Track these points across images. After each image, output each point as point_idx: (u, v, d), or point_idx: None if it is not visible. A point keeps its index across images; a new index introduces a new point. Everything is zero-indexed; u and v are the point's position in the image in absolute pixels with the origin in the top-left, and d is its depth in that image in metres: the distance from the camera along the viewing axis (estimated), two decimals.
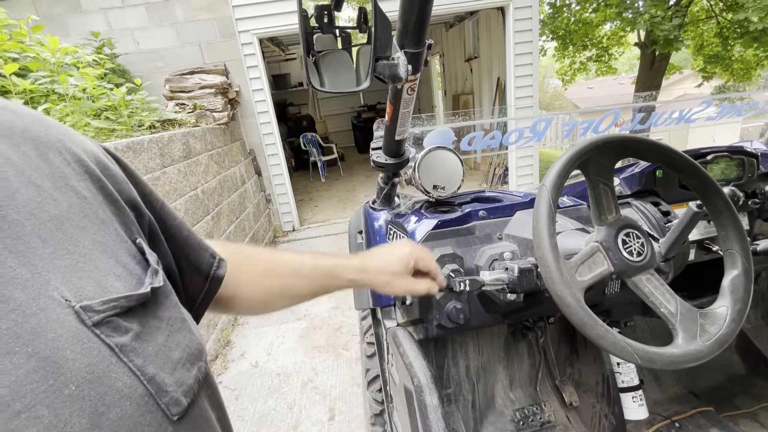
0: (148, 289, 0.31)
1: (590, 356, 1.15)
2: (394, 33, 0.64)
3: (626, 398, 1.09)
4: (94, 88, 2.30)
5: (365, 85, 0.64)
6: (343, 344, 2.36)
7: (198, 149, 2.84)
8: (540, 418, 1.13)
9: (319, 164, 6.80)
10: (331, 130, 9.78)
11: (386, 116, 0.80)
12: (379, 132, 0.90)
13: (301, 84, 9.31)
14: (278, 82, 8.90)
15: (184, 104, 3.37)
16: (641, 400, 1.09)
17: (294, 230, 4.60)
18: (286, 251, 0.59)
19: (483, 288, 0.66)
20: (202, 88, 3.51)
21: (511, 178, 4.67)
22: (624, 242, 0.60)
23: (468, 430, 1.13)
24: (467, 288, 0.64)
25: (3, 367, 0.23)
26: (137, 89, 2.83)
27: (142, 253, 0.33)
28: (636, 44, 8.18)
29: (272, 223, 4.50)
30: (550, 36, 8.60)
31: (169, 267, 0.40)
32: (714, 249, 0.92)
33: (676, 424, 1.10)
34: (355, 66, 0.89)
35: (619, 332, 1.09)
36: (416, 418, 0.69)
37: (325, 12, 0.81)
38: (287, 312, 2.75)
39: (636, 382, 1.08)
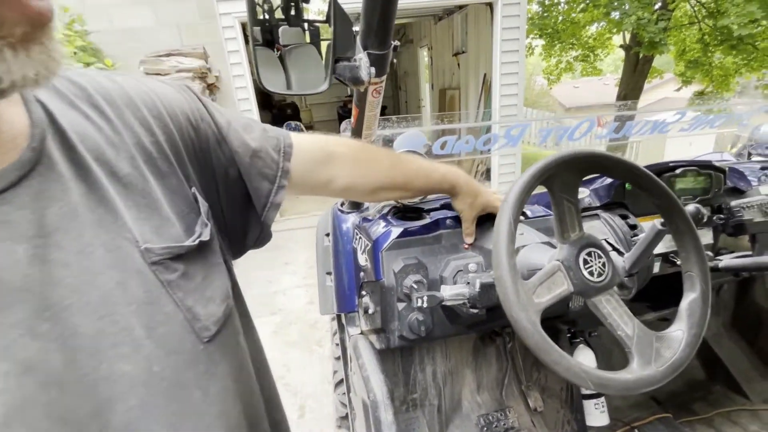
0: (196, 243, 0.39)
1: None
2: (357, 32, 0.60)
3: (589, 405, 1.11)
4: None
5: (324, 87, 0.60)
6: (316, 341, 2.34)
7: None
8: (504, 424, 1.14)
9: None
10: (316, 119, 9.63)
11: (352, 118, 0.76)
12: (346, 134, 0.86)
13: None
14: None
15: None
16: (603, 406, 1.10)
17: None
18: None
19: (443, 303, 0.64)
20: (179, 71, 3.38)
21: (494, 176, 4.69)
22: (585, 261, 0.58)
23: None
24: (425, 304, 0.62)
25: (98, 283, 0.32)
26: (109, 70, 2.69)
27: (197, 201, 0.42)
28: (621, 46, 8.28)
29: None
30: (538, 34, 8.62)
31: (234, 196, 0.49)
32: (678, 263, 0.92)
33: (635, 431, 1.12)
34: (324, 62, 0.85)
35: (582, 342, 1.09)
36: None
37: (293, 3, 0.76)
38: (261, 306, 2.70)
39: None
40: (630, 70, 8.03)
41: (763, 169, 1.16)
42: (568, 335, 1.14)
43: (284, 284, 3.01)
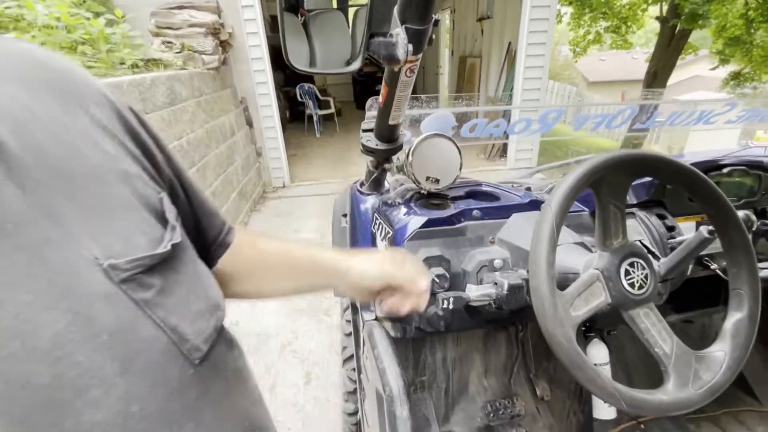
0: (169, 247, 0.32)
1: None
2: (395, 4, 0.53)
3: (597, 398, 1.10)
4: (71, 16, 2.08)
5: (356, 65, 0.55)
6: (325, 310, 2.37)
7: (184, 95, 2.66)
8: (510, 412, 1.14)
9: (314, 118, 6.54)
10: (330, 82, 9.34)
11: (380, 97, 0.70)
12: (371, 112, 0.80)
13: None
14: (276, 24, 8.32)
15: (171, 43, 3.12)
16: None
17: (284, 186, 4.50)
18: (298, 246, 0.56)
19: (468, 304, 0.61)
20: (191, 26, 3.24)
21: (510, 152, 4.55)
22: (627, 272, 0.54)
23: (438, 416, 1.14)
24: (451, 306, 0.59)
25: (44, 322, 0.26)
26: (118, 21, 2.58)
27: (163, 208, 0.34)
28: (657, 18, 7.75)
29: (262, 178, 4.38)
30: (568, 1, 8.08)
31: (187, 225, 0.41)
32: (712, 267, 0.88)
33: (642, 426, 1.12)
34: (351, 32, 0.77)
35: (595, 337, 1.07)
36: (385, 425, 0.66)
37: None
38: None
39: None
40: (664, 44, 7.55)
41: None
42: (583, 328, 1.12)
43: None
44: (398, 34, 0.53)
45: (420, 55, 0.59)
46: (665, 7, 7.26)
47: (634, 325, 0.55)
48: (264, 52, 3.86)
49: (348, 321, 1.29)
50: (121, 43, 2.49)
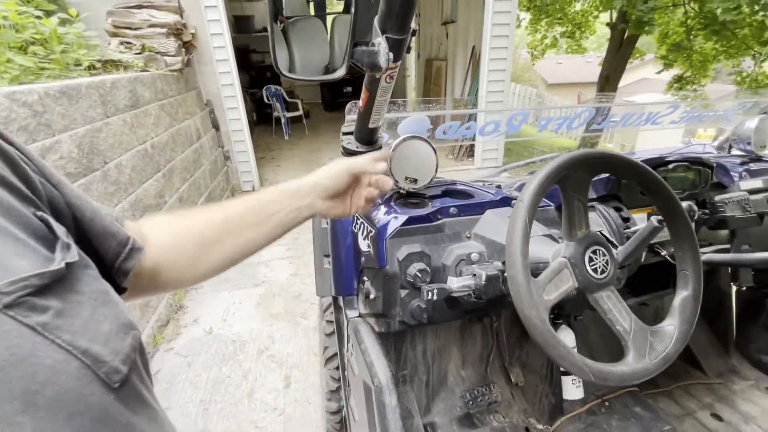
0: (62, 265, 0.29)
1: None
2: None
3: (566, 380, 1.18)
4: (19, 15, 1.96)
5: (340, 73, 0.58)
6: (301, 312, 2.36)
7: (147, 98, 2.57)
8: (488, 398, 1.20)
9: (282, 120, 6.46)
10: (297, 84, 9.25)
11: (361, 102, 0.73)
12: (351, 116, 0.83)
13: (266, 29, 8.59)
14: (241, 25, 8.13)
15: (130, 43, 2.99)
16: (579, 382, 1.18)
17: (254, 190, 4.42)
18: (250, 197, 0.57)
19: (450, 295, 0.66)
20: (151, 26, 3.13)
21: (477, 152, 4.70)
22: (590, 259, 0.60)
23: (420, 408, 1.18)
24: (435, 297, 0.63)
25: None
26: (72, 21, 2.46)
27: (48, 227, 0.31)
28: (607, 24, 8.26)
29: (230, 182, 4.28)
30: (526, 6, 8.45)
31: (81, 243, 0.37)
32: (662, 253, 0.97)
33: (606, 403, 1.21)
34: (329, 39, 0.80)
35: (563, 324, 1.15)
36: (374, 415, 0.69)
37: None
38: (245, 277, 2.68)
39: None
40: (614, 49, 8.07)
41: (743, 164, 1.21)
42: (551, 316, 1.20)
43: (267, 256, 2.99)
44: (380, 43, 0.56)
45: (399, 62, 0.62)
46: (615, 15, 7.76)
47: (597, 306, 0.61)
48: (229, 54, 3.78)
49: (329, 321, 1.31)
50: (76, 43, 2.37)
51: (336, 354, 1.27)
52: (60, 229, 0.31)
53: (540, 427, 1.20)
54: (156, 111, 2.67)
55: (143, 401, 0.34)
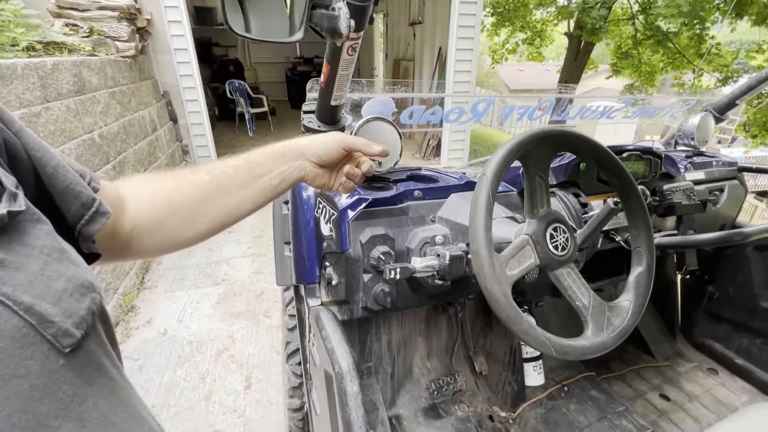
0: (4, 212, 0.26)
1: (501, 329, 1.23)
2: None
3: (528, 367, 1.20)
4: None
5: (298, 36, 0.54)
6: (264, 311, 2.28)
7: (95, 84, 2.39)
8: (453, 388, 1.20)
9: (246, 116, 6.25)
10: (262, 80, 9.00)
11: (322, 77, 0.70)
12: (312, 94, 0.80)
13: None
14: (202, 17, 7.80)
15: (76, 26, 2.78)
16: (540, 368, 1.21)
17: None
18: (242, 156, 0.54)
19: (413, 275, 0.64)
20: (101, 8, 2.92)
21: (443, 151, 4.77)
22: (551, 236, 0.61)
23: (385, 400, 1.16)
24: (398, 276, 0.61)
25: None
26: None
27: None
28: (565, 33, 8.70)
29: None
30: (491, 12, 8.73)
31: (41, 200, 0.33)
32: (617, 239, 1.01)
33: (565, 388, 1.24)
34: (288, 7, 0.76)
35: (525, 311, 1.17)
36: (335, 403, 0.66)
37: None
38: (203, 276, 2.55)
39: (538, 353, 1.19)
40: (571, 58, 8.52)
41: (687, 157, 1.29)
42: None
43: (227, 253, 2.87)
44: (341, 8, 0.53)
45: (362, 34, 0.60)
46: (572, 24, 8.19)
47: (558, 283, 0.61)
48: (189, 43, 3.61)
49: (291, 315, 1.26)
50: (13, 21, 2.16)
51: (298, 349, 1.22)
52: (7, 178, 0.29)
53: (503, 414, 1.21)
54: (105, 99, 2.49)
55: (103, 372, 0.30)
